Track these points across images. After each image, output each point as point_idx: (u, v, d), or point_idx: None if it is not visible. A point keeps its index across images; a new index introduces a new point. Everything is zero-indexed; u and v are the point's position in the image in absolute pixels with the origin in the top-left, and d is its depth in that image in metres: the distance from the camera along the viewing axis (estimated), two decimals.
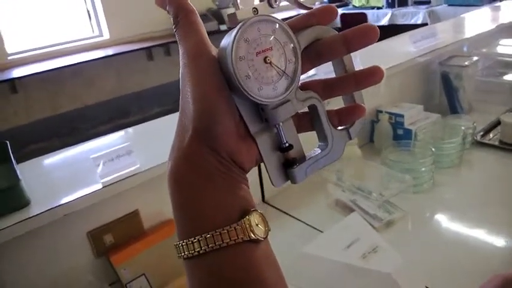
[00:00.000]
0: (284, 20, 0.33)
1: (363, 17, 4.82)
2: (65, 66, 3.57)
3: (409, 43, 1.68)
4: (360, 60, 1.37)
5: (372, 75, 0.34)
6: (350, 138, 0.36)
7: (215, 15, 4.31)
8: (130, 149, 0.98)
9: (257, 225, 0.30)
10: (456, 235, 1.04)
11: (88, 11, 4.14)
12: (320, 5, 0.35)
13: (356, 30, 0.33)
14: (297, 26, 0.33)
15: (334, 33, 0.34)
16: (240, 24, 0.30)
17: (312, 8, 0.34)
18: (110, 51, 3.93)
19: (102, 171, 0.94)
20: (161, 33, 4.18)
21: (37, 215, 0.83)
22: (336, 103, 0.38)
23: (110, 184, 0.92)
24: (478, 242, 1.00)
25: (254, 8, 0.32)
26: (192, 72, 0.31)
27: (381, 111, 1.44)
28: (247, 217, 0.30)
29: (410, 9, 4.55)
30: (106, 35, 4.20)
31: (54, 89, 3.90)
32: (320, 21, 0.34)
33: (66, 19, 4.05)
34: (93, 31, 4.21)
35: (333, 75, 0.37)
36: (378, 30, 0.32)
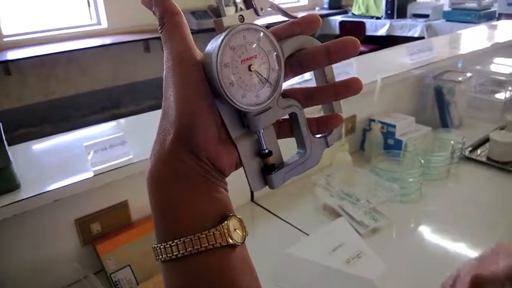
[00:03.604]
0: (268, 26, 0.33)
1: (361, 26, 4.86)
2: (60, 52, 3.54)
3: (406, 55, 1.70)
4: (357, 67, 1.40)
5: (350, 87, 0.34)
6: (327, 146, 0.37)
7: (215, 12, 4.30)
8: (124, 139, 0.98)
9: (235, 230, 0.31)
10: (439, 247, 1.06)
11: None
12: (305, 14, 0.35)
13: (338, 42, 0.34)
14: (281, 34, 0.34)
15: (317, 44, 0.35)
16: (227, 31, 0.31)
17: (296, 17, 0.35)
18: (107, 40, 3.91)
19: (94, 159, 0.94)
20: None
21: (27, 198, 0.83)
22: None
23: (102, 173, 0.92)
24: (459, 255, 1.01)
25: (240, 15, 0.32)
26: (176, 76, 0.31)
27: (374, 120, 1.46)
28: (225, 222, 0.30)
29: (408, 21, 4.59)
30: (104, 24, 4.17)
31: (47, 74, 3.86)
32: (304, 30, 0.34)
33: (65, 5, 4.02)
34: (91, 19, 4.18)
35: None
36: (359, 44, 0.33)
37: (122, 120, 1.27)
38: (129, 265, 0.94)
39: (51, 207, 0.88)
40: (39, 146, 1.11)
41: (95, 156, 0.94)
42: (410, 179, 1.20)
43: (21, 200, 0.83)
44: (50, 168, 0.97)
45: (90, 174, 0.91)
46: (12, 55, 3.45)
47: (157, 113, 1.17)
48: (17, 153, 0.94)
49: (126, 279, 0.92)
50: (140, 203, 1.02)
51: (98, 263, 0.94)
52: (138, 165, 0.96)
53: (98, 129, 1.18)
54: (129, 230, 0.99)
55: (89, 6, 4.14)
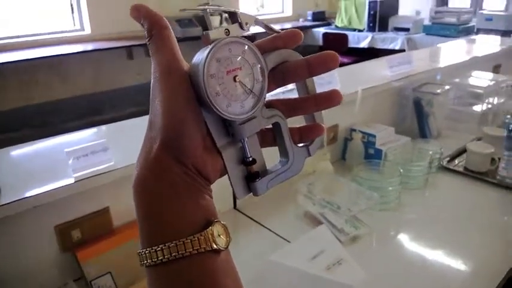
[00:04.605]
0: (251, 37, 0.35)
1: (343, 38, 4.94)
2: (42, 57, 3.50)
3: (386, 67, 1.74)
4: (339, 78, 1.42)
5: (331, 99, 0.36)
6: (309, 155, 0.38)
7: (200, 21, 4.33)
8: (106, 145, 0.98)
9: (219, 235, 0.32)
10: (417, 254, 1.08)
11: (71, 4, 4.08)
12: (287, 29, 0.37)
13: (319, 56, 0.35)
14: (264, 47, 0.35)
15: (298, 58, 0.36)
16: (213, 44, 0.32)
17: (279, 32, 0.37)
18: (89, 47, 3.87)
19: (75, 165, 0.93)
20: (144, 33, 4.15)
21: (6, 204, 0.82)
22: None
23: (83, 179, 0.92)
24: (437, 262, 1.04)
25: (226, 29, 0.34)
26: (163, 87, 0.32)
27: (355, 130, 1.49)
28: (210, 228, 0.31)
29: (390, 34, 4.69)
30: (87, 30, 4.14)
31: (28, 80, 3.80)
32: (286, 44, 0.36)
33: (48, 10, 3.98)
34: (74, 24, 4.15)
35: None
36: (339, 58, 0.35)
37: (104, 127, 1.27)
38: (110, 272, 0.93)
39: (31, 213, 0.87)
40: (20, 151, 1.09)
41: (76, 163, 0.93)
42: (390, 188, 1.23)
43: (1, 205, 0.82)
44: (31, 173, 0.96)
45: (71, 181, 0.91)
46: None
47: (139, 120, 1.17)
48: None
49: (106, 286, 0.92)
50: (122, 209, 1.02)
51: (77, 270, 0.93)
52: (120, 172, 0.96)
53: (80, 135, 1.17)
54: (110, 236, 0.98)
55: (73, 12, 4.11)
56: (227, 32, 0.33)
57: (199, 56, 0.32)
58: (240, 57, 0.33)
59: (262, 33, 0.36)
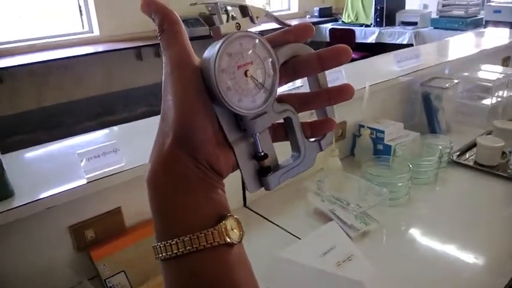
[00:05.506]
0: (261, 32, 0.35)
1: (351, 33, 4.91)
2: (53, 60, 3.55)
3: (394, 62, 1.74)
4: (347, 74, 1.42)
5: (343, 93, 0.36)
6: (321, 150, 0.38)
7: (207, 20, 4.34)
8: (117, 147, 0.99)
9: (232, 229, 0.32)
10: (428, 249, 1.08)
11: (80, 7, 4.12)
12: (298, 23, 0.37)
13: (331, 50, 0.35)
14: (274, 41, 0.35)
15: (310, 51, 0.36)
16: (224, 38, 0.32)
17: (290, 25, 0.36)
18: (99, 48, 3.92)
19: (87, 167, 0.95)
20: (152, 34, 4.17)
21: (20, 206, 0.84)
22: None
23: (95, 180, 0.93)
24: (447, 257, 1.04)
25: (237, 23, 0.34)
26: (175, 81, 0.32)
27: (363, 126, 1.49)
28: (223, 222, 0.32)
29: (397, 29, 4.66)
30: (96, 32, 4.18)
31: (40, 82, 3.86)
32: (297, 38, 0.36)
33: (57, 13, 4.03)
34: (83, 27, 4.19)
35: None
36: (351, 52, 0.35)
37: (115, 128, 1.28)
38: (124, 270, 0.94)
39: (45, 215, 0.89)
40: (33, 153, 1.11)
41: (88, 164, 0.95)
42: (400, 184, 1.23)
43: (15, 207, 0.84)
44: (44, 175, 0.98)
45: (83, 182, 0.92)
46: (4, 63, 3.45)
47: (150, 121, 1.18)
48: (10, 161, 0.95)
49: (120, 284, 0.93)
50: (133, 209, 1.03)
51: (92, 269, 0.95)
52: (131, 172, 0.97)
53: (91, 136, 1.19)
54: (123, 236, 1.00)
55: (81, 14, 4.15)
56: (238, 26, 0.33)
57: (211, 51, 0.32)
58: (251, 52, 0.33)
59: (270, 31, 0.36)
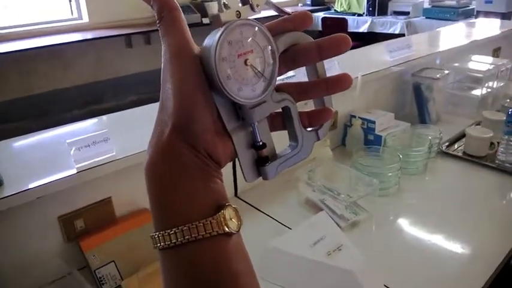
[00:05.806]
0: (259, 19, 0.34)
1: (343, 23, 4.90)
2: (41, 47, 3.49)
3: (385, 52, 1.74)
4: (339, 64, 1.42)
5: (341, 82, 0.36)
6: (318, 139, 0.38)
7: (198, 7, 4.30)
8: (107, 136, 0.98)
9: (231, 219, 0.32)
10: (416, 238, 1.10)
11: None
12: (297, 11, 0.36)
13: (330, 39, 0.35)
14: (273, 29, 0.35)
15: (310, 40, 0.36)
16: (224, 26, 0.31)
17: (290, 14, 0.36)
18: (88, 35, 3.86)
19: (77, 156, 0.94)
20: (142, 21, 4.12)
21: (9, 196, 0.83)
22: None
23: (85, 170, 0.93)
24: (435, 246, 1.05)
25: (237, 11, 0.33)
26: (174, 69, 0.32)
27: (354, 116, 1.49)
28: (222, 211, 0.32)
29: (389, 18, 4.65)
30: (85, 19, 4.11)
31: (28, 70, 3.80)
32: (296, 27, 0.35)
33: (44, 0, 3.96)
34: (72, 13, 4.12)
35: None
36: (351, 41, 0.35)
37: (105, 117, 1.27)
38: (114, 261, 0.94)
39: (34, 204, 0.88)
40: (22, 142, 1.10)
41: (78, 153, 0.94)
42: (390, 174, 1.24)
43: (4, 197, 0.83)
44: (33, 165, 0.97)
45: (73, 171, 0.92)
46: None
47: (140, 110, 1.17)
48: None
49: (110, 274, 0.93)
50: (124, 199, 1.03)
51: (81, 259, 0.94)
52: (122, 162, 0.97)
53: (81, 125, 1.18)
54: (113, 226, 1.00)
55: (70, 0, 4.08)
56: (238, 14, 0.33)
57: (211, 39, 0.31)
58: (250, 40, 0.33)
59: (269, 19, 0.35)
